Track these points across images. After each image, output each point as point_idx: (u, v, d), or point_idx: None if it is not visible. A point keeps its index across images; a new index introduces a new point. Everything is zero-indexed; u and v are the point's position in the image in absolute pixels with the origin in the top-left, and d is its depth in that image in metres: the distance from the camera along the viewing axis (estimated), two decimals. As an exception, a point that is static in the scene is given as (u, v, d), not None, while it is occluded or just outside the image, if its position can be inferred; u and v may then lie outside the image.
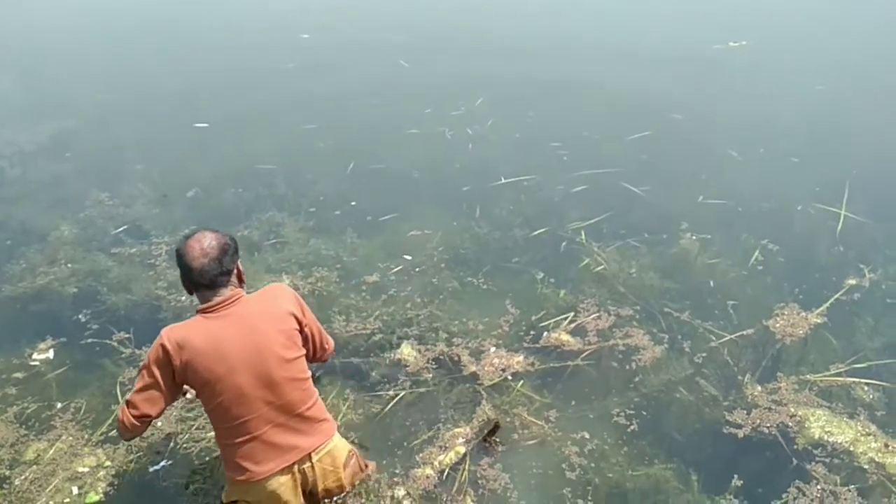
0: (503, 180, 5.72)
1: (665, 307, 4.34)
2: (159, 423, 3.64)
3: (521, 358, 4.00)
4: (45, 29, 9.76)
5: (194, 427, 3.67)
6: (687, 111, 6.75)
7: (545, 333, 4.16)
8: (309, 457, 2.97)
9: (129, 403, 2.87)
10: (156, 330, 4.14)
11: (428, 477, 3.37)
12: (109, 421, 3.74)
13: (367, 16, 9.49)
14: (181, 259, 2.84)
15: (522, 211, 5.36)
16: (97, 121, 7.08)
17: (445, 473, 3.40)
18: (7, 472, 3.49)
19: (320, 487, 3.05)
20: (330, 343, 3.25)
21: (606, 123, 6.58)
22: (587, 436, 3.56)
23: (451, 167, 6.00)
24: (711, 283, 4.56)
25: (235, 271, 2.91)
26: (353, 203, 5.54)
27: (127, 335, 4.29)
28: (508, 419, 3.65)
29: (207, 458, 3.53)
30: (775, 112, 6.74)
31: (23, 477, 3.46)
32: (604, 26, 9.35)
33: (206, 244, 2.81)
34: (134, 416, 2.85)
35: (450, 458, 3.46)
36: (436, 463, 3.44)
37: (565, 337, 4.14)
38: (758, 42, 8.35)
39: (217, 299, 2.85)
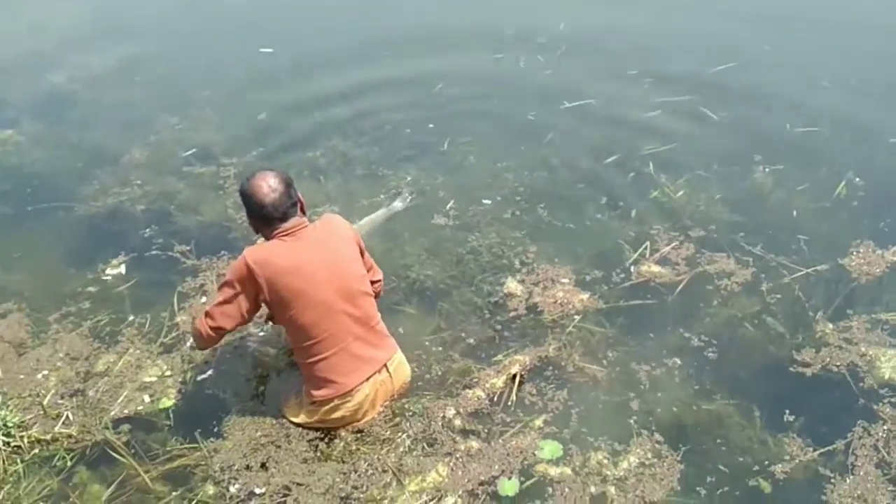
0: (566, 104, 5.53)
1: (735, 241, 4.18)
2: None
3: (588, 294, 3.91)
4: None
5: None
6: (778, 40, 6.30)
7: (631, 267, 4.07)
8: (385, 367, 3.22)
9: (207, 315, 3.09)
10: (225, 248, 4.35)
11: (478, 398, 3.41)
12: (164, 331, 3.90)
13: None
14: (251, 198, 3.02)
15: (593, 139, 5.17)
16: (165, 46, 7.07)
17: (496, 396, 3.42)
18: (81, 385, 3.65)
19: (394, 396, 3.36)
20: (380, 274, 3.47)
21: (691, 53, 6.18)
22: (649, 369, 3.51)
23: (524, 93, 5.78)
24: (786, 217, 4.37)
25: (298, 202, 3.09)
26: (431, 125, 5.47)
27: (188, 248, 4.43)
28: (569, 349, 3.61)
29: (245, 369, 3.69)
30: (870, 41, 6.25)
31: (96, 388, 3.62)
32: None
33: (270, 181, 3.01)
34: (210, 327, 3.09)
35: (502, 381, 3.47)
36: (487, 385, 3.46)
37: (656, 268, 4.04)
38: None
39: (288, 225, 3.04)
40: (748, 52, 6.11)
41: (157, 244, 4.51)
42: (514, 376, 3.47)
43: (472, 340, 3.74)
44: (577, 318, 3.77)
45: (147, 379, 3.66)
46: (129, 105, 6.18)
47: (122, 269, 4.35)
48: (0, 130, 5.90)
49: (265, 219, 3.04)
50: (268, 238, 3.09)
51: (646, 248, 4.17)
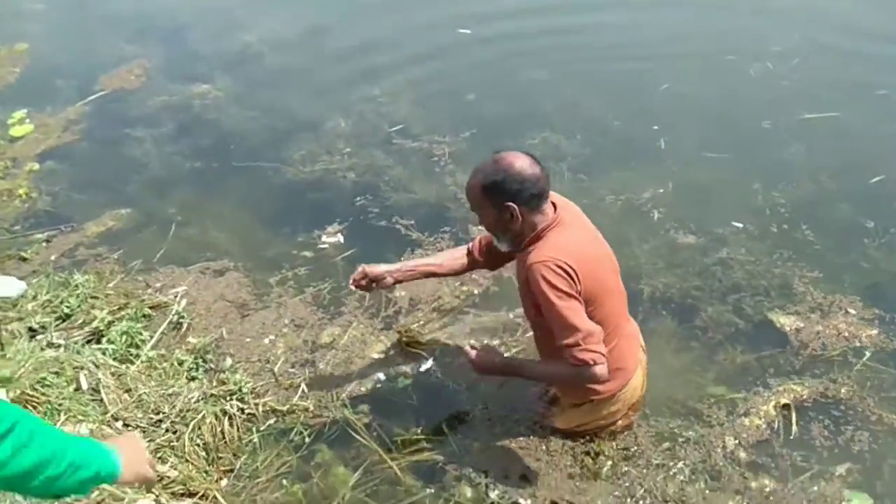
0: (806, 115, 4.96)
1: None
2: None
3: (877, 330, 3.40)
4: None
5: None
6: None
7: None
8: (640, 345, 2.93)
9: (586, 339, 2.44)
10: (447, 224, 4.14)
11: (758, 427, 3.00)
12: (384, 305, 3.71)
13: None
14: (518, 175, 2.46)
15: (845, 155, 4.61)
16: (354, 17, 6.83)
17: (776, 426, 3.01)
18: (309, 356, 3.45)
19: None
20: None
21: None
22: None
23: (757, 101, 5.21)
24: None
25: None
26: (655, 127, 4.96)
27: (411, 221, 4.20)
28: (861, 391, 3.14)
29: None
30: None
31: (325, 360, 3.41)
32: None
33: (523, 157, 2.50)
34: (600, 341, 2.48)
35: (772, 408, 3.07)
36: (762, 412, 3.05)
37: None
38: None
39: (551, 212, 2.56)
40: None
41: (372, 214, 4.28)
42: (786, 406, 3.06)
43: (732, 365, 3.32)
44: (867, 354, 3.29)
45: (374, 356, 3.42)
46: (320, 72, 5.99)
47: (340, 237, 4.13)
48: (197, 84, 5.83)
49: (533, 199, 2.47)
50: (521, 235, 2.57)
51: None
